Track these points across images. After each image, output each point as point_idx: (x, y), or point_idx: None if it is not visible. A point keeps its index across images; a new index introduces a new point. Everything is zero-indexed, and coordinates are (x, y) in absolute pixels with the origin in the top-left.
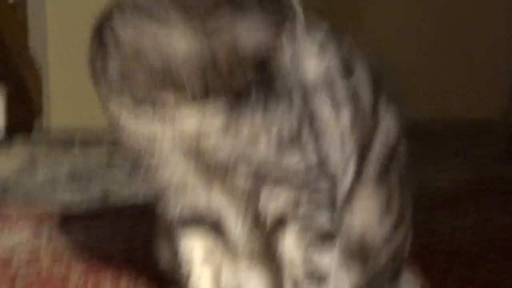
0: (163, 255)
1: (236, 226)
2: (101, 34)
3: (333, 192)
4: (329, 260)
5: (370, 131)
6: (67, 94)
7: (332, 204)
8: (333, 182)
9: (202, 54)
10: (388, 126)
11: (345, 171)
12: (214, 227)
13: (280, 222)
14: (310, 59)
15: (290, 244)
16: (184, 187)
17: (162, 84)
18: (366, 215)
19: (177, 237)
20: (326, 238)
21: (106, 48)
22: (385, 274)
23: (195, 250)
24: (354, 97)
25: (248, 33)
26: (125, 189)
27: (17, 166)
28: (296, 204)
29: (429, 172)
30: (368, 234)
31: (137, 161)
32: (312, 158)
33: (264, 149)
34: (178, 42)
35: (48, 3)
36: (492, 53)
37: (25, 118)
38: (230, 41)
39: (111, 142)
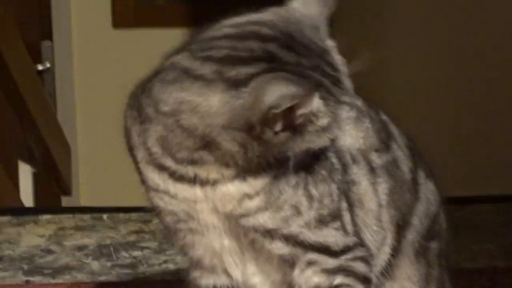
0: None
1: None
2: (139, 99)
3: (370, 263)
4: None
5: (410, 203)
6: (96, 171)
7: (369, 274)
8: (369, 253)
9: (239, 122)
10: (428, 198)
11: (382, 243)
12: None
13: None
14: (348, 127)
15: None
16: (220, 257)
17: (202, 149)
18: (405, 285)
19: None
20: None
21: (144, 113)
22: None
23: None
24: (392, 169)
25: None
26: (155, 259)
27: (44, 240)
28: (333, 274)
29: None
30: None
31: (171, 230)
32: (349, 228)
33: (303, 221)
34: (216, 110)
35: (76, 75)
36: None
37: (53, 197)
38: (261, 106)
39: (140, 215)
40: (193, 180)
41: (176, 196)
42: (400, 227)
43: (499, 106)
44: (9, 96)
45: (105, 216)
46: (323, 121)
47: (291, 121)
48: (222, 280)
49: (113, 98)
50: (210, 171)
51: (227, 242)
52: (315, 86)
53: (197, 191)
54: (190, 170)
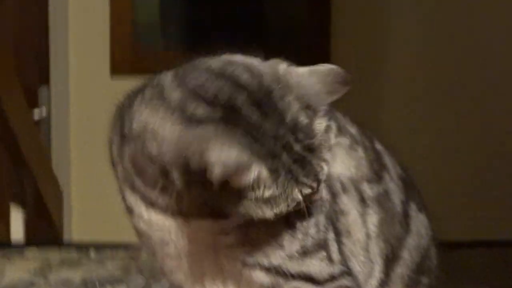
0: None
1: None
2: (123, 111)
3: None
4: None
5: (400, 236)
6: (88, 212)
7: None
8: (357, 282)
9: (182, 161)
10: (419, 232)
11: (370, 275)
12: None
13: None
14: (340, 154)
15: None
16: (201, 283)
17: (164, 178)
18: None
19: None
20: None
21: (124, 127)
22: None
23: None
24: (383, 201)
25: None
26: None
27: (30, 274)
28: None
29: None
30: None
31: (152, 252)
32: (336, 257)
33: (285, 254)
34: (168, 141)
35: (72, 121)
36: None
37: (45, 234)
38: (202, 159)
39: (128, 251)
40: (165, 209)
41: (150, 222)
42: (389, 260)
43: (497, 152)
44: (4, 140)
45: (92, 252)
46: (266, 193)
47: (227, 182)
48: None
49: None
50: (179, 202)
51: (207, 268)
52: (266, 155)
53: (169, 221)
54: (160, 198)
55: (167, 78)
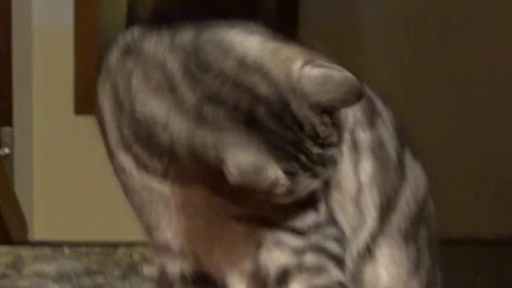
0: None
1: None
2: (113, 80)
3: (343, 244)
4: None
5: (396, 185)
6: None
7: (342, 254)
8: (343, 235)
9: (197, 159)
10: (416, 180)
11: (360, 227)
12: None
13: (283, 278)
14: None
15: None
16: (188, 240)
17: (169, 159)
18: (393, 269)
19: None
20: None
21: (118, 98)
22: None
23: None
24: (376, 148)
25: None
26: (120, 284)
27: (2, 267)
28: (303, 253)
29: None
30: None
31: (138, 210)
32: (322, 207)
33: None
34: (181, 136)
35: (36, 161)
36: None
37: None
38: (218, 164)
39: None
40: (162, 175)
41: (142, 183)
42: (384, 210)
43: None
44: None
45: (66, 249)
46: (282, 197)
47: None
48: (190, 266)
49: (72, 184)
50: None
51: (199, 226)
52: (286, 159)
53: (165, 184)
54: (160, 167)
55: (175, 69)
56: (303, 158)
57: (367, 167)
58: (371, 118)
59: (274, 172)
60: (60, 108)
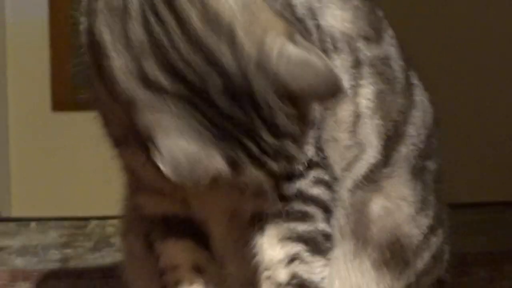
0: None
1: (218, 227)
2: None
3: (332, 189)
4: (323, 273)
5: (404, 110)
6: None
7: (330, 203)
8: (332, 176)
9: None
10: (424, 105)
11: (356, 159)
12: (196, 236)
13: (257, 219)
14: (331, 3)
15: (268, 242)
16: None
17: None
18: (402, 203)
19: (158, 247)
20: (320, 244)
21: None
22: (423, 283)
23: (182, 254)
24: (382, 67)
25: None
26: (90, 255)
27: None
28: (290, 200)
29: None
30: (404, 231)
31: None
32: (311, 146)
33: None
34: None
35: (12, 153)
36: None
37: None
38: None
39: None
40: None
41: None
42: (391, 139)
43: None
44: None
45: (33, 223)
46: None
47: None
48: (172, 207)
49: (49, 179)
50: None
51: None
52: (231, 146)
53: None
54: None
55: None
56: (252, 147)
57: (369, 90)
58: (378, 32)
59: (215, 163)
60: (37, 105)
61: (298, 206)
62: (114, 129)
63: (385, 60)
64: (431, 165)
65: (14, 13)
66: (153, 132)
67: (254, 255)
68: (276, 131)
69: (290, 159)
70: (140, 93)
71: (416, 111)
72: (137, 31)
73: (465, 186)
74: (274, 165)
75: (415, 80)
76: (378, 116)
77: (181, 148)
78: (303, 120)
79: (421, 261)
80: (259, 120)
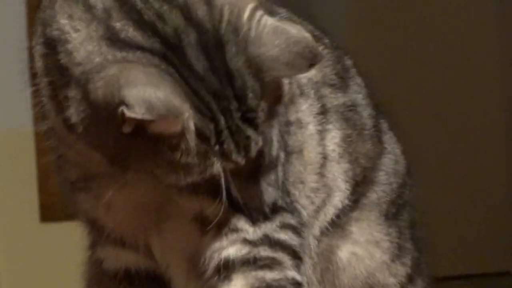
0: None
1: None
2: (43, 21)
3: (301, 234)
4: None
5: (373, 156)
6: None
7: (298, 248)
8: (301, 220)
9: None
10: (395, 152)
11: (324, 204)
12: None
13: (225, 268)
14: None
15: None
16: (133, 225)
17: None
18: (373, 250)
19: None
20: None
21: (45, 34)
22: None
23: None
24: (349, 113)
25: None
26: None
27: None
28: (256, 245)
29: None
30: (378, 280)
31: (75, 194)
32: (278, 189)
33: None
34: (80, 58)
35: (2, 265)
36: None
37: None
38: (114, 98)
39: None
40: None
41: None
42: (359, 184)
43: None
44: None
45: None
46: (183, 158)
47: (145, 132)
48: (135, 259)
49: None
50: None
51: (142, 200)
52: (201, 112)
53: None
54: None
55: None
56: (221, 121)
57: (336, 135)
58: (345, 80)
59: (188, 120)
60: (25, 216)
61: (265, 252)
62: (72, 172)
63: (352, 107)
64: (405, 213)
65: (1, 123)
66: (120, 89)
67: None
68: (243, 110)
69: (248, 153)
70: (106, 54)
71: (386, 158)
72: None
73: (451, 259)
74: (233, 152)
75: (385, 129)
76: (346, 160)
77: (150, 92)
78: (273, 101)
79: None
80: (232, 93)
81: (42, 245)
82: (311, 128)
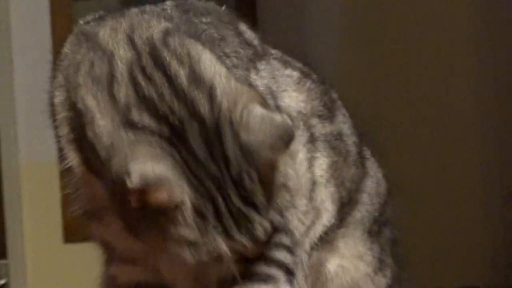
0: None
1: None
2: (65, 69)
3: (294, 253)
4: None
5: (356, 179)
6: None
7: (292, 266)
8: (294, 240)
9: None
10: (377, 176)
11: (313, 224)
12: None
13: (226, 282)
14: (288, 87)
15: None
16: (146, 255)
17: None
18: (358, 263)
19: None
20: None
21: (68, 86)
22: None
23: None
24: (335, 142)
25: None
26: None
27: None
28: (252, 262)
29: None
30: None
31: (93, 216)
32: (274, 213)
33: None
34: (99, 134)
35: (29, 286)
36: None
37: None
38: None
39: None
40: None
41: (91, 186)
42: (345, 205)
43: None
44: None
45: None
46: (187, 233)
47: (146, 202)
48: (144, 275)
49: None
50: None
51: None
52: (198, 189)
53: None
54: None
55: (123, 63)
56: (220, 203)
57: (323, 162)
58: (331, 110)
59: (183, 195)
60: (50, 238)
61: (260, 268)
62: (86, 204)
63: (338, 136)
64: (387, 231)
65: (27, 154)
66: (127, 164)
67: None
68: (243, 196)
69: (250, 230)
70: (122, 137)
71: (369, 181)
72: (123, 90)
73: (425, 273)
74: (235, 232)
75: (368, 155)
76: (332, 184)
77: (150, 166)
78: (267, 185)
79: None
80: (229, 178)
81: (65, 264)
82: (301, 156)
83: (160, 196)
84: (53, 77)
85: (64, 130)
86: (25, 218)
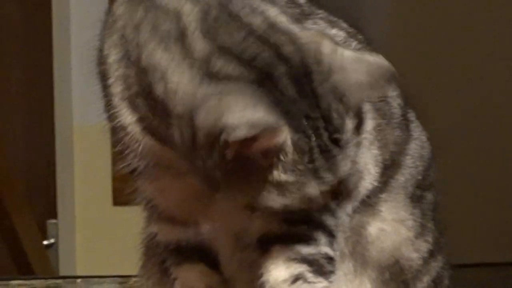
0: None
1: (226, 251)
2: (123, 31)
3: (336, 217)
4: None
5: (401, 142)
6: None
7: (333, 228)
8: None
9: (191, 121)
10: (421, 139)
11: (355, 186)
12: (208, 261)
13: (266, 241)
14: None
15: (274, 263)
16: (190, 204)
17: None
18: (400, 227)
19: (174, 272)
20: (323, 267)
21: (127, 48)
22: None
23: (196, 278)
24: (381, 102)
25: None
26: None
27: None
28: (294, 223)
29: None
30: (403, 253)
31: (142, 173)
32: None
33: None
34: (180, 92)
35: (78, 246)
36: None
37: None
38: (216, 122)
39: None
40: (162, 139)
41: (144, 144)
42: (388, 167)
43: None
44: (20, 268)
45: (79, 280)
46: (282, 176)
47: (244, 154)
48: (184, 234)
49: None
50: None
51: (190, 189)
52: (296, 129)
53: (165, 151)
54: (159, 129)
55: (191, 18)
56: (313, 138)
57: (367, 123)
58: None
59: (286, 136)
60: (99, 200)
61: (303, 230)
62: (136, 162)
63: (382, 98)
64: (429, 195)
65: (80, 117)
66: (221, 117)
67: (260, 276)
68: (330, 130)
69: (338, 174)
70: (205, 89)
71: (413, 144)
72: (197, 43)
73: (469, 247)
74: (325, 174)
75: (412, 118)
76: (376, 146)
77: (249, 114)
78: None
79: (421, 285)
80: (319, 113)
81: (113, 225)
82: (347, 121)
83: (266, 142)
84: (106, 37)
85: (119, 88)
86: (76, 180)
